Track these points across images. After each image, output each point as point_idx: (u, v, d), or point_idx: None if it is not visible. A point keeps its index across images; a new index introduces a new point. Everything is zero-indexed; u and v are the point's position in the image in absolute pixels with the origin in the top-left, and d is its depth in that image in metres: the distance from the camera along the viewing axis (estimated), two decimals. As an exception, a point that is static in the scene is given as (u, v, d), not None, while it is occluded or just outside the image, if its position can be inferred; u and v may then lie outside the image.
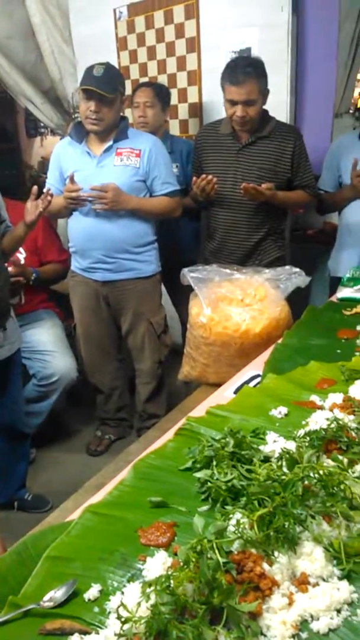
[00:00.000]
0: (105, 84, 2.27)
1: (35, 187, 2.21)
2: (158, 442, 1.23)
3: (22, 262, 2.72)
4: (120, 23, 3.45)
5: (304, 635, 0.73)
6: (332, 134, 3.06)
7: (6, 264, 2.16)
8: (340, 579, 0.80)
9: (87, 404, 3.08)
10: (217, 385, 1.59)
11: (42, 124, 6.17)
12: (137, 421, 2.92)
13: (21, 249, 2.66)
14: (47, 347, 2.74)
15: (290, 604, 0.76)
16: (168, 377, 2.74)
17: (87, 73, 2.32)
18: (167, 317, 2.82)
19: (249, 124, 2.38)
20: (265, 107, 2.43)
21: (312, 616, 0.75)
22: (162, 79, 3.31)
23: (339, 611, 0.76)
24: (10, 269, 2.35)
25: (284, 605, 0.75)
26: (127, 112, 3.32)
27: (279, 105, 2.76)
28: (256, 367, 1.63)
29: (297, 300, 2.06)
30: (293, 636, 0.73)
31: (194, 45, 3.16)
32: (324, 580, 0.80)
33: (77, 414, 3.22)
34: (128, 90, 2.84)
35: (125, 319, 2.65)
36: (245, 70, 2.26)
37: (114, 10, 3.43)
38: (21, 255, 2.75)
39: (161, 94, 2.88)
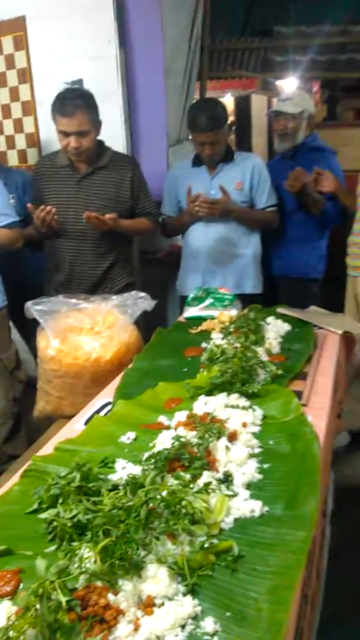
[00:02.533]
0: None
1: None
2: (9, 486, 1.18)
3: None
4: None
5: (150, 657, 0.75)
6: (168, 161, 3.20)
7: None
8: (184, 594, 0.83)
9: None
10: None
11: None
12: (-4, 464, 2.77)
13: None
14: None
15: (136, 629, 0.76)
16: (27, 414, 2.64)
17: None
18: (20, 351, 2.73)
19: (84, 154, 2.41)
20: (101, 138, 2.49)
21: (158, 637, 0.77)
22: (-5, 110, 3.25)
23: (183, 627, 0.78)
24: None
25: (130, 632, 0.76)
26: None
27: (114, 136, 2.83)
28: (108, 394, 1.63)
29: (153, 321, 2.11)
30: (139, 661, 0.74)
31: (25, 76, 3.14)
32: (169, 599, 0.82)
33: None
34: None
35: (-28, 358, 2.52)
36: (75, 102, 2.30)
37: None
38: None
39: None
